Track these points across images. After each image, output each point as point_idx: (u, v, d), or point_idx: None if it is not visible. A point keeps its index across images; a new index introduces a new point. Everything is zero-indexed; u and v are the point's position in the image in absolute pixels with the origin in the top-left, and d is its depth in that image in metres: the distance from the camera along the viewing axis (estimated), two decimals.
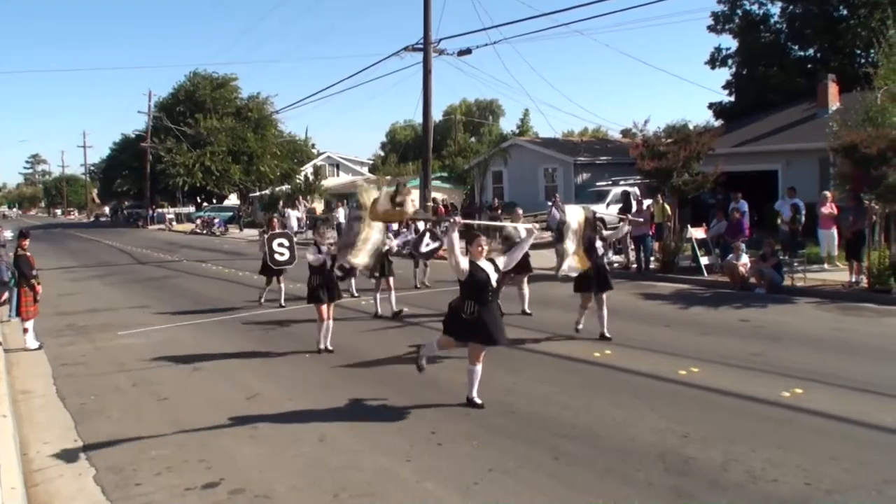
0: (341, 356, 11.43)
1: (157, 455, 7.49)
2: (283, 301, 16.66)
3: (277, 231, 17.28)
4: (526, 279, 14.48)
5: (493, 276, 8.34)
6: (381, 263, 14.16)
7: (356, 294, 17.37)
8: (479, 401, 8.55)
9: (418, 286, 18.85)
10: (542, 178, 37.23)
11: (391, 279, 14.82)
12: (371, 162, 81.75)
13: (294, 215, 39.55)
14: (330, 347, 11.74)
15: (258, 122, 66.28)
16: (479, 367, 8.47)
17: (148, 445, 7.79)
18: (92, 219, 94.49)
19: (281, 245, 15.66)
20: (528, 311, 14.32)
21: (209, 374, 10.81)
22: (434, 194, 34.12)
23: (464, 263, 8.24)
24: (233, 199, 68.75)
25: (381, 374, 10.22)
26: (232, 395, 9.62)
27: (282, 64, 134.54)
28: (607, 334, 11.77)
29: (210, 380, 10.46)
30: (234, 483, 6.69)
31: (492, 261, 8.50)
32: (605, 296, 11.91)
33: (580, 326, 12.25)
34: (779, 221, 19.95)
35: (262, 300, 17.04)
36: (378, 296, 14.98)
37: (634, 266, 20.61)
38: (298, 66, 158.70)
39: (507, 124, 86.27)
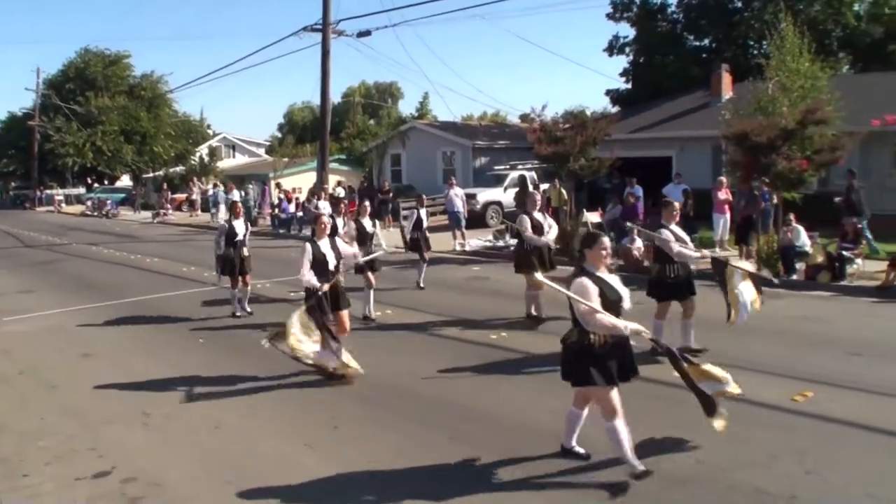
0: (236, 339, 11.25)
1: (46, 445, 7.25)
2: (246, 306, 13.42)
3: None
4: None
5: (626, 294, 6.15)
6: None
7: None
8: (581, 450, 6.57)
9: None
10: (441, 162, 37.24)
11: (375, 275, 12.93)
12: (268, 143, 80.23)
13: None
14: (360, 370, 9.02)
15: (152, 102, 64.20)
16: (584, 412, 6.56)
17: (36, 435, 7.54)
18: None
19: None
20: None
21: (99, 360, 10.50)
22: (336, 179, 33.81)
23: (594, 301, 5.89)
24: (125, 181, 66.59)
25: (276, 358, 9.95)
26: (123, 381, 9.35)
27: (177, 42, 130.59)
28: (696, 346, 10.02)
29: (100, 366, 10.15)
30: (126, 471, 6.54)
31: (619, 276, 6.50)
32: (694, 300, 10.23)
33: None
34: None
35: (237, 313, 13.23)
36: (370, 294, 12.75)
37: None
38: (194, 44, 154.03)
39: (407, 107, 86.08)
